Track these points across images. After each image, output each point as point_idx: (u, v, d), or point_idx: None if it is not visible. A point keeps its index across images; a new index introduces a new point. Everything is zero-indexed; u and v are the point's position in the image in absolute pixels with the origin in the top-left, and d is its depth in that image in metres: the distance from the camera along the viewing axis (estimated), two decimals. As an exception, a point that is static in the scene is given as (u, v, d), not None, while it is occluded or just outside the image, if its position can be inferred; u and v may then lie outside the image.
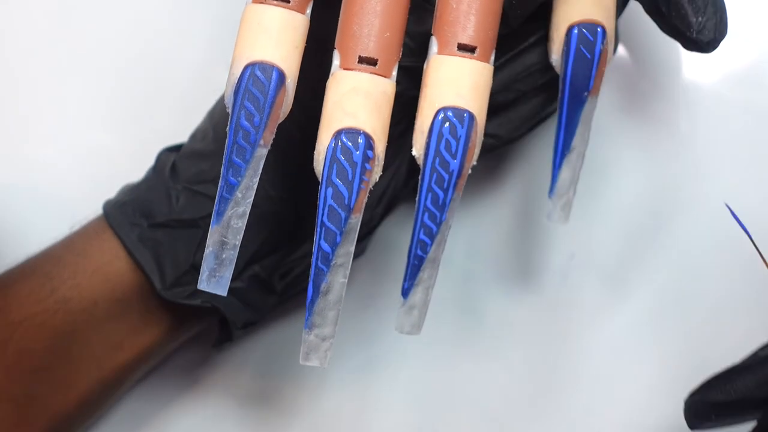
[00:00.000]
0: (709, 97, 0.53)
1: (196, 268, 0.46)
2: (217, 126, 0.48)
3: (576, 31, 0.42)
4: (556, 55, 0.43)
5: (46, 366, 0.46)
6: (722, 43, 0.41)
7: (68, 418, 0.47)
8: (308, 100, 0.40)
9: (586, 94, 0.42)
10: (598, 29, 0.42)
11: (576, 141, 0.43)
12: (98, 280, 0.47)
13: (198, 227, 0.47)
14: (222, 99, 0.46)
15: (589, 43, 0.42)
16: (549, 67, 0.45)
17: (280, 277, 0.49)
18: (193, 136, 0.49)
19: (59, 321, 0.46)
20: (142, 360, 0.49)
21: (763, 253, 0.41)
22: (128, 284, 0.47)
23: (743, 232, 0.41)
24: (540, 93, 0.47)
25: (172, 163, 0.48)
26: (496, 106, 0.46)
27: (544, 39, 0.45)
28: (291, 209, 0.47)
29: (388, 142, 0.39)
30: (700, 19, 0.40)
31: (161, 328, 0.48)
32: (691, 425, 0.43)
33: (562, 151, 0.43)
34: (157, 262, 0.46)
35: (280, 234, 0.47)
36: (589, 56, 0.42)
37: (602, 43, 0.42)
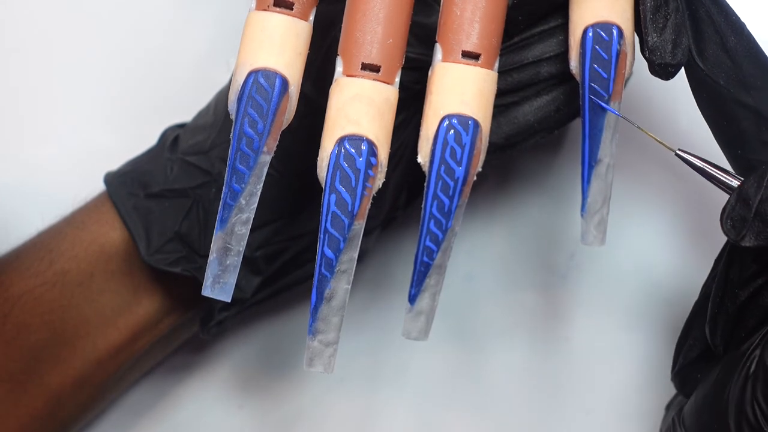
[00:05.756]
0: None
1: (180, 237, 0.47)
2: (218, 101, 0.49)
3: (590, 32, 0.41)
4: (574, 62, 0.42)
5: (43, 342, 0.48)
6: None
7: (65, 397, 0.48)
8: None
9: (606, 98, 0.41)
10: (614, 29, 0.41)
11: (603, 152, 0.41)
12: (94, 251, 0.48)
13: (187, 197, 0.48)
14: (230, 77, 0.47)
15: (605, 43, 0.41)
16: (551, 62, 0.44)
17: (266, 260, 0.49)
18: (198, 114, 0.50)
19: (57, 294, 0.48)
20: (134, 339, 0.49)
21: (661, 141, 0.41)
22: (122, 255, 0.48)
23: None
24: (542, 94, 0.46)
25: (175, 136, 0.49)
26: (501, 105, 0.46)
27: (547, 33, 0.45)
28: (278, 185, 0.47)
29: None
30: (655, 38, 0.40)
31: (152, 305, 0.49)
32: (686, 394, 0.43)
33: (589, 162, 0.41)
34: (146, 230, 0.48)
35: (265, 210, 0.47)
36: (606, 57, 0.41)
37: (619, 43, 0.41)
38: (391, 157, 0.40)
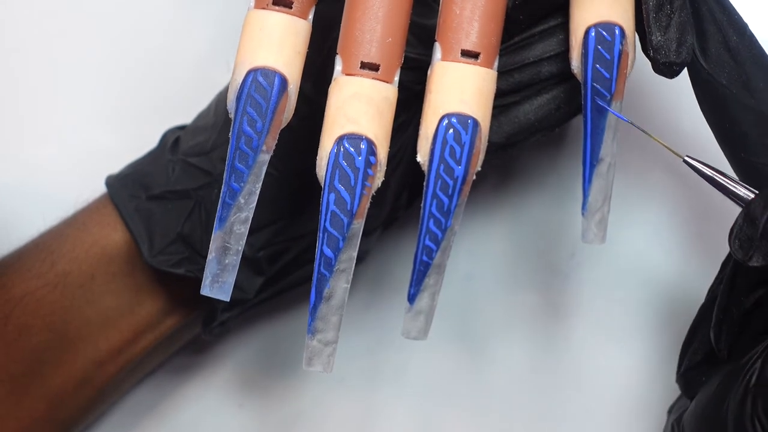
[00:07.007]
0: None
1: (182, 238, 0.47)
2: (219, 102, 0.49)
3: (593, 32, 0.41)
4: (576, 62, 0.42)
5: (45, 344, 0.47)
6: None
7: (66, 399, 0.48)
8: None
9: (609, 98, 0.41)
10: (616, 29, 0.41)
11: (604, 151, 0.41)
12: (96, 253, 0.48)
13: (189, 198, 0.48)
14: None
15: (607, 43, 0.41)
16: (551, 62, 0.44)
17: (268, 260, 0.49)
18: (198, 115, 0.50)
19: (58, 295, 0.48)
20: (136, 340, 0.49)
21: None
22: (124, 257, 0.48)
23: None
24: (542, 93, 0.46)
25: (176, 138, 0.49)
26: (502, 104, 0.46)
27: (547, 32, 0.45)
28: (279, 185, 0.47)
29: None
30: (659, 37, 0.40)
31: (154, 306, 0.49)
32: (690, 396, 0.42)
33: (590, 161, 0.41)
34: (148, 231, 0.48)
35: (266, 210, 0.47)
36: (608, 57, 0.41)
37: (621, 43, 0.41)
38: (392, 157, 0.40)
